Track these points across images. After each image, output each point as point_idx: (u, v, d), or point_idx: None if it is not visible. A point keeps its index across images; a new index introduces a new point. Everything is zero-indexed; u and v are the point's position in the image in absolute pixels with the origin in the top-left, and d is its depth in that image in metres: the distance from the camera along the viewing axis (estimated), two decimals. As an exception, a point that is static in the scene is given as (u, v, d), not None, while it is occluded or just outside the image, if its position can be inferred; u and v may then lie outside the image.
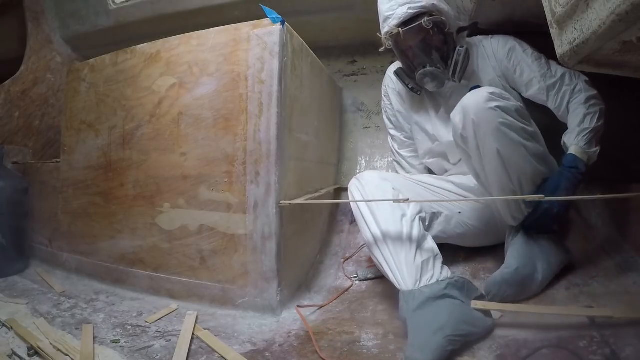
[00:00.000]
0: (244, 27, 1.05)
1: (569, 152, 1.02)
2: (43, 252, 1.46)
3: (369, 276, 1.21)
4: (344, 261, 1.34)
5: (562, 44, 0.58)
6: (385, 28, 1.11)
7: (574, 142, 1.02)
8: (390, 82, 1.34)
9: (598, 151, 1.02)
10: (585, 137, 1.01)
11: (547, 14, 0.62)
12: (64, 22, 1.87)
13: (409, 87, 1.20)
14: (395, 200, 0.97)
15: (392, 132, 1.38)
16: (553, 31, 0.61)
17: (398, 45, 1.14)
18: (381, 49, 1.16)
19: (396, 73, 1.21)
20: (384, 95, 1.37)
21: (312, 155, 1.31)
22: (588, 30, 0.50)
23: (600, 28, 0.48)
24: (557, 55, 0.61)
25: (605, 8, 0.46)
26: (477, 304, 0.85)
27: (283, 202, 1.01)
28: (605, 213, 1.24)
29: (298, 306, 1.03)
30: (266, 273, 1.01)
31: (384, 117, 1.40)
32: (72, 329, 0.94)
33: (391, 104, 1.35)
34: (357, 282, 1.20)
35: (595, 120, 1.02)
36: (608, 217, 1.23)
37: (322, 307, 1.06)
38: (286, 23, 1.03)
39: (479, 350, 0.80)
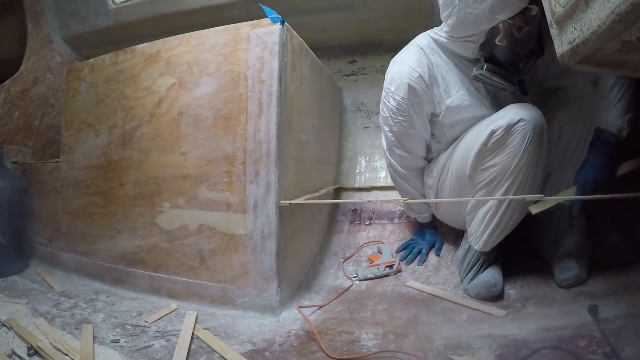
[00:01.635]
0: (244, 27, 1.05)
1: (596, 128, 1.00)
2: (43, 252, 1.46)
3: (369, 276, 1.21)
4: (344, 261, 1.34)
5: (562, 44, 0.58)
6: (509, 11, 0.90)
7: (601, 117, 0.99)
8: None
9: (629, 119, 0.96)
10: (614, 109, 0.97)
11: (547, 14, 0.62)
12: (64, 22, 1.87)
13: (509, 81, 1.03)
14: (394, 201, 0.98)
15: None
16: (553, 31, 0.60)
17: (514, 33, 0.94)
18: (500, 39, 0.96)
19: (492, 71, 1.01)
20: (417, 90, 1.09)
21: (312, 155, 1.31)
22: (588, 30, 0.50)
23: (600, 28, 0.48)
24: (557, 55, 0.61)
25: (605, 8, 0.46)
26: None
27: (283, 202, 1.01)
28: (605, 213, 1.24)
29: (299, 307, 1.03)
30: (266, 273, 1.01)
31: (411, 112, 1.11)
32: (72, 329, 0.94)
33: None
34: (357, 282, 1.20)
35: (624, 90, 0.95)
36: (608, 217, 1.23)
37: (322, 307, 1.06)
38: (286, 23, 1.03)
39: (479, 350, 0.80)
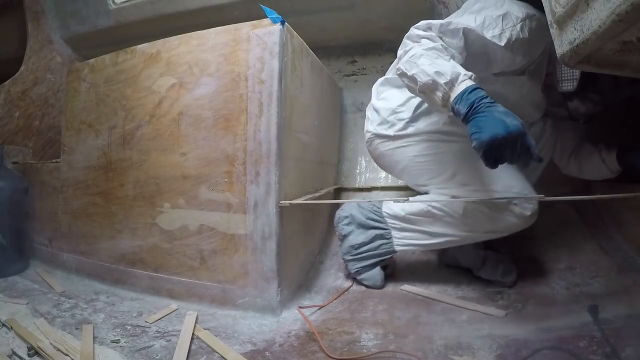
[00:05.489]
0: (244, 27, 1.05)
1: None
2: (43, 252, 1.46)
3: None
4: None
5: (562, 44, 0.59)
6: None
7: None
8: None
9: None
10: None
11: (547, 14, 0.62)
12: (64, 22, 1.87)
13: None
14: (395, 200, 0.99)
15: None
16: (553, 31, 0.61)
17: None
18: None
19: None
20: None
21: (312, 155, 1.31)
22: (588, 30, 0.50)
23: (600, 28, 0.48)
24: (557, 55, 0.61)
25: (605, 8, 0.46)
26: None
27: (283, 202, 1.01)
28: (605, 213, 1.24)
29: (299, 307, 1.03)
30: (266, 273, 1.01)
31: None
32: (72, 329, 0.94)
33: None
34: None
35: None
36: (608, 217, 1.23)
37: (322, 307, 1.06)
38: (286, 23, 1.03)
39: (479, 350, 0.80)
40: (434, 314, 0.98)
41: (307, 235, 1.27)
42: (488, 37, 0.87)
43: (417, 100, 1.04)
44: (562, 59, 0.60)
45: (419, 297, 1.08)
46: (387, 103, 1.11)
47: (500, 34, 0.87)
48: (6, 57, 1.84)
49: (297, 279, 1.17)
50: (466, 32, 0.87)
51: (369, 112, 1.18)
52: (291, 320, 0.98)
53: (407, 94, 1.07)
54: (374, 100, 1.17)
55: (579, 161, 1.20)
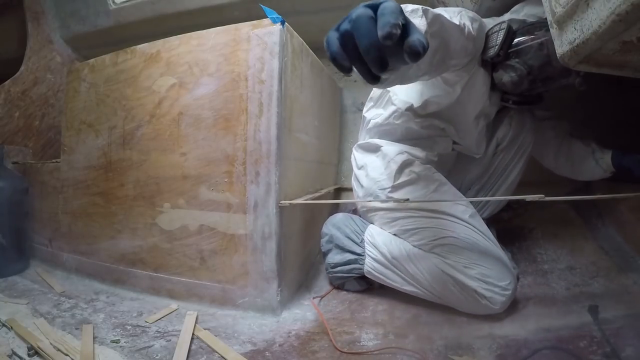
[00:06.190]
0: (244, 27, 1.05)
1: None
2: (43, 252, 1.46)
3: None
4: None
5: (562, 44, 0.59)
6: None
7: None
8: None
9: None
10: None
11: (547, 14, 0.62)
12: (64, 22, 1.87)
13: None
14: (395, 200, 0.99)
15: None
16: (553, 31, 0.61)
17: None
18: None
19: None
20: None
21: (312, 155, 1.31)
22: (588, 30, 0.50)
23: (600, 28, 0.48)
24: (557, 55, 0.61)
25: (605, 8, 0.46)
26: None
27: (283, 202, 1.01)
28: (605, 213, 1.25)
29: (313, 297, 1.09)
30: (266, 273, 1.01)
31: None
32: (72, 329, 0.94)
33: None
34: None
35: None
36: (608, 217, 1.23)
37: (324, 296, 1.10)
38: (286, 23, 1.02)
39: (479, 350, 0.80)
40: (434, 314, 0.98)
41: (307, 235, 1.27)
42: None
43: (396, 166, 1.06)
44: (562, 58, 0.60)
45: (419, 297, 1.08)
46: (367, 173, 1.13)
47: (450, 18, 0.89)
48: (6, 57, 1.84)
49: (297, 279, 1.17)
50: (424, 10, 0.88)
51: (354, 182, 1.21)
52: (291, 320, 0.98)
53: (386, 159, 1.09)
54: (355, 169, 1.21)
55: (571, 161, 1.20)
